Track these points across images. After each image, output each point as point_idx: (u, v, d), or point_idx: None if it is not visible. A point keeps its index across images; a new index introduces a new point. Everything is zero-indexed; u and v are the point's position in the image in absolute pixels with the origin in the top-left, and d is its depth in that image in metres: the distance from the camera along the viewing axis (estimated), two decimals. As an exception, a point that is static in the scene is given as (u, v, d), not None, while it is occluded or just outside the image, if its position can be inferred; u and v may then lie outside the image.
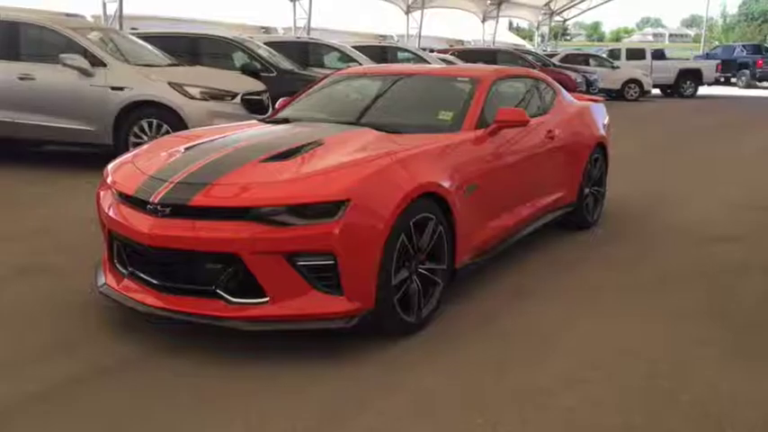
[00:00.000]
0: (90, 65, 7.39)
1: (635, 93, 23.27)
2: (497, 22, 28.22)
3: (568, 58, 23.57)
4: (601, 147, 5.62)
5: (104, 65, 7.44)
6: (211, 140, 3.77)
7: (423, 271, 3.46)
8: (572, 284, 4.23)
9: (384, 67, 5.01)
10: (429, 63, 14.34)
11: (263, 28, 19.38)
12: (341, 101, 4.64)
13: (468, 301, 3.87)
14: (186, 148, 3.64)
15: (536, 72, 5.29)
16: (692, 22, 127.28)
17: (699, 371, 3.09)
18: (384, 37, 22.84)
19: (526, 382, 2.96)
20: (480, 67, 4.77)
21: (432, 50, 19.14)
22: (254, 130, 4.05)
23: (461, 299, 3.89)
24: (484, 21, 27.90)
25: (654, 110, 19.97)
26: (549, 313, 3.75)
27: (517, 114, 4.09)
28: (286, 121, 4.42)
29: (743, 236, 5.47)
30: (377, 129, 3.98)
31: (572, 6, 32.79)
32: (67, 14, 14.13)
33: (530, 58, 20.24)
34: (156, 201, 3.11)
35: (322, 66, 12.51)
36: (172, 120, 7.32)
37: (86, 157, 8.15)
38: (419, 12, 22.34)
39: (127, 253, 3.36)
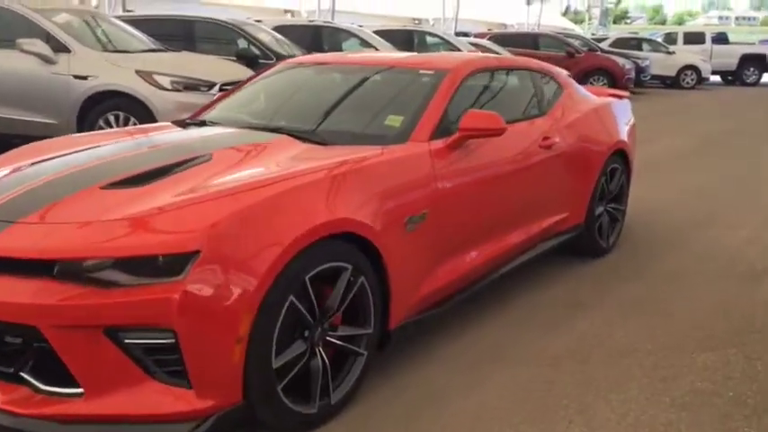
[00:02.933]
0: (53, 51, 6.63)
1: (692, 80, 21.56)
2: (542, 4, 26.60)
3: (619, 43, 22.02)
4: (620, 154, 4.53)
5: (68, 51, 6.67)
6: (68, 154, 2.87)
7: (334, 340, 2.51)
8: (562, 349, 3.18)
9: (338, 57, 4.04)
10: (459, 49, 13.26)
11: (287, 11, 18.53)
12: (276, 97, 3.69)
13: (408, 374, 2.89)
14: (32, 164, 2.76)
15: (534, 62, 4.23)
16: (760, 4, 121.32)
17: None
18: (419, 21, 21.70)
19: None
20: (455, 56, 3.77)
21: (466, 34, 17.98)
22: (140, 139, 3.14)
23: (399, 369, 2.92)
24: (529, 3, 26.35)
25: (712, 99, 18.36)
26: (522, 400, 2.74)
27: (489, 120, 3.07)
28: (203, 123, 3.50)
29: (801, 271, 4.33)
30: (301, 136, 3.03)
31: (626, -12, 30.76)
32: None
33: (576, 42, 18.85)
34: (-65, 247, 2.24)
35: (339, 50, 11.56)
36: (139, 112, 6.50)
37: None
38: (457, -7, 21.10)
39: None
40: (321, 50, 11.29)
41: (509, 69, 3.97)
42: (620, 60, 17.36)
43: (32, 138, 6.94)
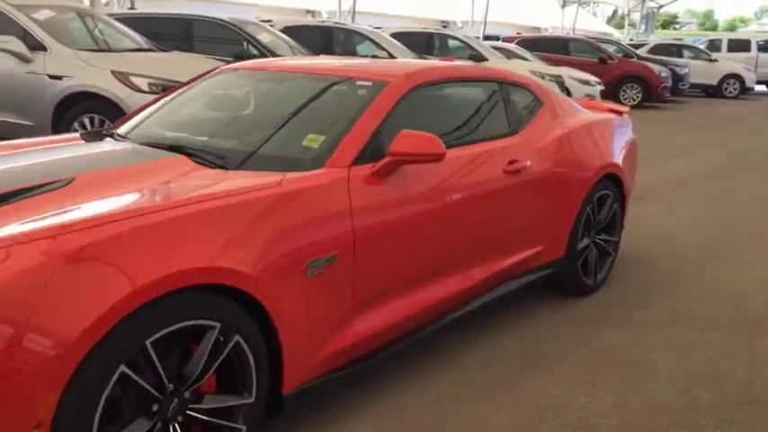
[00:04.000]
0: (29, 49, 6.32)
1: (734, 89, 20.57)
2: (578, 7, 25.70)
3: (658, 49, 21.10)
4: (612, 179, 3.97)
5: (45, 49, 6.35)
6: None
7: (198, 415, 2.05)
8: (510, 420, 2.67)
9: (274, 63, 3.53)
10: (481, 53, 12.69)
11: (308, 11, 18.15)
12: (197, 108, 3.22)
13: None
14: None
15: (508, 73, 3.67)
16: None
17: None
18: (447, 24, 21.11)
19: None
20: (403, 64, 3.26)
21: (496, 38, 17.37)
22: (15, 155, 2.70)
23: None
24: (564, 6, 25.45)
25: (754, 110, 17.40)
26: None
27: (424, 143, 2.57)
28: (110, 136, 3.07)
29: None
30: (201, 157, 2.57)
31: (669, -9, 29.59)
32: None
33: (611, 48, 18.06)
34: None
35: (352, 54, 11.12)
36: (115, 115, 6.12)
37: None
38: (487, -5, 20.39)
39: None
40: (332, 53, 10.88)
41: (472, 81, 3.44)
42: (656, 68, 16.55)
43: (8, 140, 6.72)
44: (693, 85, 19.91)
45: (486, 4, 19.16)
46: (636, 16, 29.46)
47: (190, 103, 3.24)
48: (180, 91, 3.43)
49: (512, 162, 3.25)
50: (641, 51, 19.98)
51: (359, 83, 2.92)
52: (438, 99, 3.17)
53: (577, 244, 3.76)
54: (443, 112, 3.21)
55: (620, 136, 4.18)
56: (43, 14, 6.80)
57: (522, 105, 3.60)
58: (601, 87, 14.29)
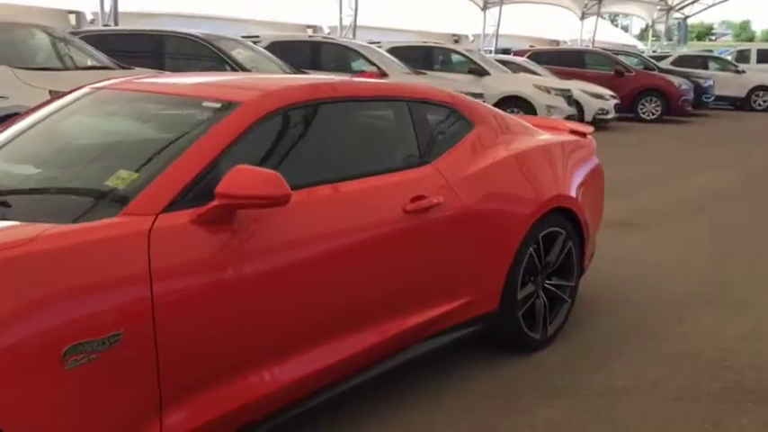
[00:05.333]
0: (-34, 70, 5.92)
1: (764, 101, 19.56)
2: (597, 18, 24.82)
3: (682, 61, 20.22)
4: (565, 214, 3.33)
5: (-17, 69, 5.94)
6: None
7: None
8: None
9: (130, 81, 2.93)
10: (484, 69, 12.09)
11: (309, 27, 17.71)
12: (27, 135, 2.66)
13: None
14: None
15: (418, 89, 3.05)
16: None
17: None
18: (458, 38, 20.51)
19: None
20: (265, 80, 2.69)
21: (508, 51, 16.74)
22: None
23: None
24: (583, 18, 24.63)
25: (783, 124, 16.42)
26: None
27: (262, 183, 1.98)
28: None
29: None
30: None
31: (695, 2, 28.47)
32: (69, 11, 13.23)
33: (631, 61, 17.26)
34: None
35: (346, 70, 10.60)
36: (53, 139, 5.70)
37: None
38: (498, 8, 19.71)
39: None
40: (321, 69, 10.38)
41: (367, 100, 2.83)
42: (676, 80, 15.73)
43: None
44: (720, 98, 19.02)
45: (498, 18, 18.53)
46: (660, 27, 28.52)
47: (27, 128, 2.69)
48: (31, 117, 2.89)
49: (416, 198, 2.64)
50: (665, 63, 19.15)
51: (206, 104, 2.35)
52: (316, 123, 2.57)
53: (517, 292, 3.12)
54: (322, 139, 2.60)
55: (577, 162, 3.54)
56: (-11, 32, 6.42)
57: (441, 128, 2.99)
58: (615, 101, 13.59)
